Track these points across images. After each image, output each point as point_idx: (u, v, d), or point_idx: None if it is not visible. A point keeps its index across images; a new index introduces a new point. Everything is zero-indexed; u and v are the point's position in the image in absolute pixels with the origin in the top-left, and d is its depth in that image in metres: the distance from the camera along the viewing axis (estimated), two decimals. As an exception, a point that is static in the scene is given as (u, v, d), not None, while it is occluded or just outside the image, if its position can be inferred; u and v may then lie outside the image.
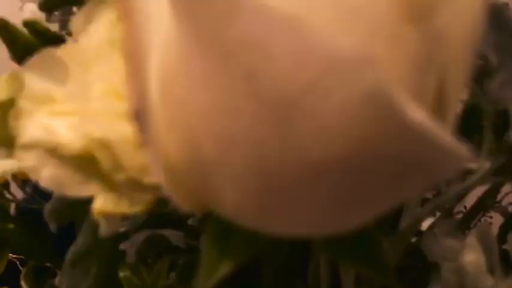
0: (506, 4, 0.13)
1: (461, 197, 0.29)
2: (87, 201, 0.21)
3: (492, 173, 0.20)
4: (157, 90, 0.08)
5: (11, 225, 0.34)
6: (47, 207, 0.21)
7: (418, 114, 0.07)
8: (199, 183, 0.09)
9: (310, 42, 0.06)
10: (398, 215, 0.20)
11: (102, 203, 0.12)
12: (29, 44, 0.21)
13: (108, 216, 0.12)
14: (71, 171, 0.13)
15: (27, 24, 0.21)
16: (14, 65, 0.23)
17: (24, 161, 0.13)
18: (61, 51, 0.15)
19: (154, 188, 0.12)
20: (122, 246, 0.21)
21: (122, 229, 0.22)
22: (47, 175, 0.13)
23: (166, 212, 0.22)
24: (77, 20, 0.15)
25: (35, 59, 0.15)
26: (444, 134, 0.08)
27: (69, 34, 0.24)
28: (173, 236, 0.21)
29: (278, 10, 0.06)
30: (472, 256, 0.19)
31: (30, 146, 0.13)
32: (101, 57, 0.13)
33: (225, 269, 0.10)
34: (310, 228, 0.10)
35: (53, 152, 0.13)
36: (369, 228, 0.12)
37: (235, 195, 0.09)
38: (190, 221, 0.23)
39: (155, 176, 0.10)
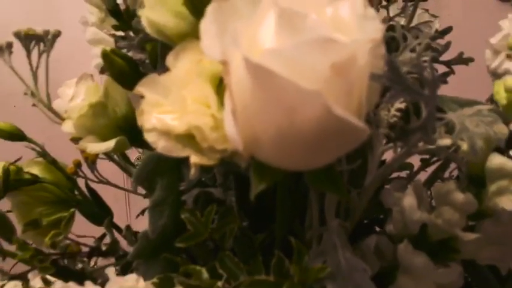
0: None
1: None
2: (161, 168, 0.33)
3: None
4: (236, 96, 0.20)
5: (80, 197, 0.46)
6: (135, 172, 0.33)
7: (343, 112, 0.19)
8: (254, 145, 0.21)
9: (300, 95, 0.17)
10: (364, 175, 0.32)
11: (194, 159, 0.24)
12: (120, 66, 0.33)
13: (196, 165, 0.24)
14: (174, 142, 0.25)
15: (117, 53, 0.33)
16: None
17: (148, 138, 0.25)
18: (160, 77, 0.27)
19: (222, 151, 0.24)
20: (183, 197, 0.33)
21: (183, 187, 0.34)
22: (161, 146, 0.25)
23: (212, 176, 0.34)
24: (168, 58, 0.27)
25: (144, 81, 0.27)
26: (356, 121, 0.20)
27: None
28: (216, 191, 0.33)
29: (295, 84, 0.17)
30: (409, 201, 0.31)
31: (151, 130, 0.25)
32: (189, 81, 0.25)
33: (261, 186, 0.22)
34: (300, 165, 0.22)
35: (165, 133, 0.25)
36: (333, 167, 0.24)
37: (268, 149, 0.21)
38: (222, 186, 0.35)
39: (229, 143, 0.22)
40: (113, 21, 0.44)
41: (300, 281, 0.25)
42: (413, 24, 0.47)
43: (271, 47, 0.19)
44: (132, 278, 0.29)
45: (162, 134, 0.25)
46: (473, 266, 0.32)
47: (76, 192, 0.45)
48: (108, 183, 0.46)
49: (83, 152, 0.44)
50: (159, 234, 0.32)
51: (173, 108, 0.25)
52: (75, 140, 0.45)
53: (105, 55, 0.32)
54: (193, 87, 0.25)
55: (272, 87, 0.18)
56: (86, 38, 0.46)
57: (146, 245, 0.32)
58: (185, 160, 0.32)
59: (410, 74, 0.26)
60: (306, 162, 0.21)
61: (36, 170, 0.44)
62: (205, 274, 0.29)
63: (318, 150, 0.21)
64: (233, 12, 0.20)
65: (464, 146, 0.24)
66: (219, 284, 0.29)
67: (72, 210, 0.39)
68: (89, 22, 0.46)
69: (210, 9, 0.20)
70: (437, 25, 0.50)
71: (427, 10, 0.50)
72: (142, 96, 0.26)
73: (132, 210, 1.23)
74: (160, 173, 0.32)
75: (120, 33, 0.43)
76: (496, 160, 0.28)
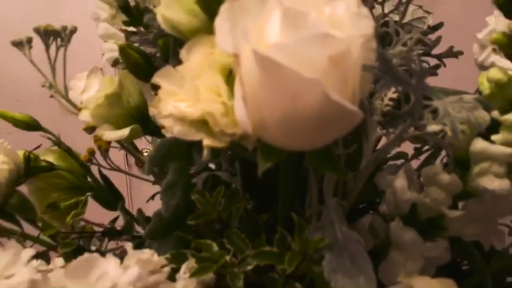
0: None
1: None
2: (173, 154, 0.36)
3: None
4: (246, 85, 0.23)
5: (93, 183, 0.49)
6: (149, 156, 0.36)
7: (339, 98, 0.22)
8: (262, 128, 0.24)
9: (301, 83, 0.20)
10: (359, 160, 0.35)
11: (207, 142, 0.27)
12: (135, 59, 0.36)
13: (208, 148, 0.27)
14: (188, 127, 0.28)
15: (132, 47, 0.36)
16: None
17: (165, 124, 0.28)
18: (175, 69, 0.30)
19: (232, 135, 0.27)
20: (194, 180, 0.36)
21: (193, 171, 0.37)
22: (177, 130, 0.28)
23: (218, 161, 0.37)
24: (182, 52, 0.30)
25: (160, 73, 0.30)
26: (351, 105, 0.23)
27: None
28: (223, 175, 0.37)
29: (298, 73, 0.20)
30: (400, 182, 0.34)
31: (168, 116, 0.28)
32: (201, 72, 0.28)
33: (267, 165, 0.25)
34: (302, 146, 0.25)
35: (180, 119, 0.28)
36: (331, 149, 0.27)
37: (273, 131, 0.24)
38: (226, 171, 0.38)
39: (238, 127, 0.25)
40: (124, 17, 0.47)
41: (301, 251, 0.29)
42: (408, 19, 0.50)
43: (277, 41, 0.22)
44: (148, 251, 0.32)
45: (177, 120, 0.28)
46: (459, 243, 0.35)
47: (89, 179, 0.48)
48: (119, 170, 0.49)
49: (96, 140, 0.47)
50: (171, 214, 0.35)
51: (187, 96, 0.28)
52: (88, 129, 0.48)
53: (121, 49, 0.35)
54: (205, 78, 0.28)
55: (278, 77, 0.21)
56: (97, 33, 0.48)
57: (160, 224, 0.35)
58: (195, 146, 0.36)
59: (401, 66, 0.29)
60: (307, 143, 0.25)
61: (51, 158, 0.47)
62: (215, 247, 0.32)
63: (318, 132, 0.24)
64: (243, 11, 0.23)
65: (449, 131, 0.27)
66: (227, 257, 0.32)
67: (88, 194, 0.42)
68: (101, 18, 0.49)
69: (223, 8, 0.23)
70: (431, 21, 0.53)
71: (420, 6, 0.53)
72: (158, 86, 0.29)
73: (133, 199, 1.27)
74: (172, 158, 0.35)
75: (131, 28, 0.46)
76: (479, 144, 0.31)
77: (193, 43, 0.30)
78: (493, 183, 0.30)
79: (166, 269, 0.33)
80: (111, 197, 0.47)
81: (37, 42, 0.44)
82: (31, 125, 0.47)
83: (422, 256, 0.34)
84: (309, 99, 0.21)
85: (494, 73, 0.31)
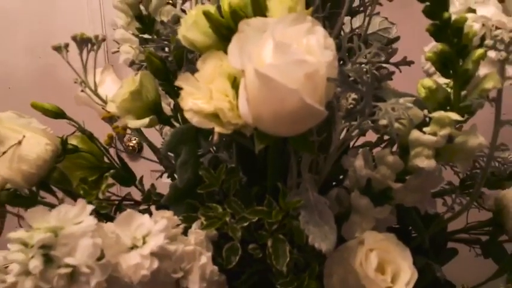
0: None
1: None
2: (184, 139, 0.48)
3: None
4: (249, 91, 0.35)
5: (110, 163, 0.60)
6: (166, 141, 0.48)
7: (311, 101, 0.34)
8: (258, 120, 0.36)
9: (286, 91, 0.32)
10: (329, 145, 0.47)
11: (217, 129, 0.39)
12: (157, 65, 0.47)
13: (218, 133, 0.39)
14: (204, 119, 0.40)
15: (154, 55, 0.47)
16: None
17: (186, 116, 0.40)
18: (192, 75, 0.41)
19: (235, 124, 0.39)
20: (201, 159, 0.48)
21: (200, 152, 0.49)
22: (195, 120, 0.40)
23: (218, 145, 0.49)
24: (198, 63, 0.41)
25: (181, 78, 0.42)
26: (319, 106, 0.35)
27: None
28: (224, 156, 0.49)
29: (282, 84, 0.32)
30: (359, 162, 0.47)
31: (188, 110, 0.40)
32: (213, 78, 0.40)
33: (261, 146, 0.38)
34: (286, 133, 0.37)
35: (198, 112, 0.40)
36: (307, 136, 0.39)
37: (266, 122, 0.36)
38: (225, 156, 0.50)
39: (240, 119, 0.37)
40: (137, 25, 0.59)
41: (284, 209, 0.41)
42: (375, 29, 0.63)
43: (270, 62, 0.34)
44: (168, 212, 0.44)
45: (196, 113, 0.40)
46: (404, 209, 0.48)
47: (107, 160, 0.60)
48: (133, 153, 0.60)
49: (114, 128, 0.59)
50: (184, 185, 0.47)
51: (203, 96, 0.40)
52: (106, 119, 0.60)
53: (147, 57, 0.47)
54: (216, 83, 0.39)
55: (270, 86, 0.33)
56: (115, 37, 0.59)
57: (175, 193, 0.47)
58: (201, 133, 0.48)
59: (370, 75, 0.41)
60: (290, 131, 0.37)
61: (75, 142, 0.58)
62: (220, 209, 0.44)
63: (297, 124, 0.36)
64: (247, 40, 0.35)
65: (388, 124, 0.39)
66: (227, 218, 0.44)
67: (111, 172, 0.54)
68: (118, 25, 0.60)
69: (234, 38, 0.35)
70: (395, 30, 0.65)
71: (386, 18, 0.65)
72: (181, 88, 0.41)
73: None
74: (184, 142, 0.47)
75: (145, 35, 0.58)
76: (414, 134, 0.43)
77: (207, 56, 0.41)
78: (423, 162, 0.43)
79: (181, 226, 0.45)
80: (126, 175, 0.59)
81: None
82: (58, 114, 0.58)
83: (374, 218, 0.46)
84: (291, 102, 0.33)
85: (426, 82, 0.43)
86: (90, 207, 0.37)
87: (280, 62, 0.33)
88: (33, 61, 1.45)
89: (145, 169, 0.62)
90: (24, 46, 1.44)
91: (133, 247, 0.38)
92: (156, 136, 0.62)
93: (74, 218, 0.36)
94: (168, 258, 0.39)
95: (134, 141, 1.26)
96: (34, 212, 0.35)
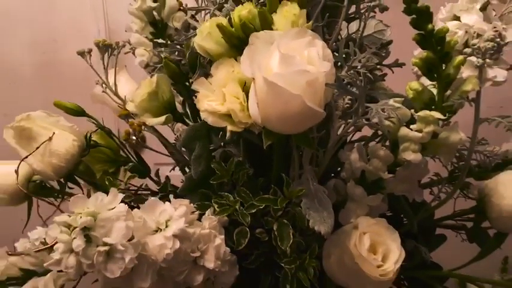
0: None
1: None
2: (198, 135, 0.55)
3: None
4: (258, 96, 0.42)
5: (126, 157, 0.67)
6: (182, 137, 0.55)
7: (312, 105, 0.41)
8: (266, 120, 0.43)
9: (290, 96, 0.39)
10: (327, 141, 0.54)
11: (230, 127, 0.46)
12: (174, 69, 0.54)
13: (230, 131, 0.46)
14: (218, 118, 0.46)
15: (171, 60, 0.54)
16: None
17: (202, 116, 0.46)
18: (207, 80, 0.48)
19: (245, 123, 0.46)
20: (213, 154, 0.54)
21: (212, 147, 0.55)
22: (210, 120, 0.46)
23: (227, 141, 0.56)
24: (212, 69, 0.48)
25: (197, 82, 0.48)
26: (319, 109, 0.42)
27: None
28: (233, 150, 0.55)
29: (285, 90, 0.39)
30: (354, 156, 0.53)
31: (204, 111, 0.47)
32: (226, 82, 0.47)
33: (269, 142, 0.44)
34: (290, 131, 0.44)
35: (212, 113, 0.46)
36: (308, 133, 0.46)
37: (273, 122, 0.43)
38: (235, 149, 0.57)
39: (250, 119, 0.44)
40: (151, 29, 0.65)
41: (287, 197, 0.48)
42: (371, 32, 0.69)
43: (277, 71, 0.40)
44: (186, 200, 0.50)
45: (210, 113, 0.47)
46: (394, 197, 0.55)
47: (123, 154, 0.66)
48: (147, 147, 0.67)
49: (131, 125, 0.65)
50: (198, 176, 0.53)
51: (216, 98, 0.47)
52: (122, 116, 0.66)
53: (165, 61, 0.53)
54: (228, 87, 0.46)
55: (277, 92, 0.40)
56: (131, 42, 0.66)
57: (190, 183, 0.54)
58: (213, 130, 0.54)
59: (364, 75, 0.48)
60: (293, 129, 0.43)
61: (95, 138, 0.65)
62: (231, 197, 0.51)
63: (299, 123, 0.43)
64: (257, 51, 0.42)
65: (379, 122, 0.46)
66: (237, 205, 0.51)
67: (130, 164, 0.61)
68: (133, 29, 0.66)
69: (245, 50, 0.42)
70: (389, 33, 0.71)
71: (381, 21, 0.71)
72: (197, 91, 0.48)
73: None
74: (198, 138, 0.54)
75: (159, 39, 0.64)
76: (403, 131, 0.50)
77: (219, 63, 0.48)
78: (411, 156, 0.50)
79: (196, 213, 0.51)
80: (141, 168, 0.65)
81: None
82: (79, 112, 0.65)
83: (367, 205, 0.53)
84: (295, 105, 0.40)
85: (413, 84, 0.50)
86: (121, 196, 0.44)
87: (285, 71, 0.40)
88: (36, 56, 1.50)
89: (149, 162, 0.69)
90: (27, 41, 1.50)
91: (158, 230, 0.45)
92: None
93: (108, 204, 0.43)
94: (187, 239, 0.46)
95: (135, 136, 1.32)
96: (76, 199, 0.42)
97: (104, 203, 0.42)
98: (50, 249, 0.42)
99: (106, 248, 0.41)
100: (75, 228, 0.40)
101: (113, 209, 0.43)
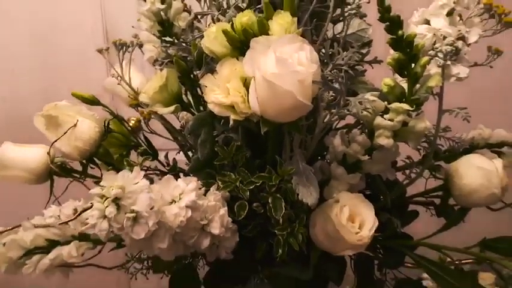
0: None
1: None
2: (203, 123, 0.66)
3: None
4: (258, 91, 0.52)
5: (136, 142, 0.77)
6: (189, 125, 0.65)
7: (302, 99, 0.51)
8: (264, 111, 0.53)
9: (285, 92, 0.49)
10: (314, 128, 0.64)
11: (233, 116, 0.56)
12: (183, 66, 0.64)
13: (233, 120, 0.56)
14: (223, 109, 0.56)
15: (180, 58, 0.64)
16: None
17: (210, 107, 0.57)
18: (213, 76, 0.58)
19: (246, 113, 0.56)
20: (216, 139, 0.65)
21: (215, 133, 0.65)
22: (217, 110, 0.56)
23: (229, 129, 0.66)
24: (217, 66, 0.58)
25: (205, 78, 0.58)
26: (307, 102, 0.52)
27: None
28: (233, 135, 0.66)
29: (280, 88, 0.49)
30: (337, 141, 0.64)
31: (211, 103, 0.57)
32: (229, 79, 0.57)
33: (266, 128, 0.55)
34: (283, 119, 0.54)
35: (218, 104, 0.56)
36: (298, 121, 0.56)
37: (270, 112, 0.54)
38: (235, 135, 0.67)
39: (250, 110, 0.54)
40: (159, 27, 0.74)
41: (280, 175, 0.58)
42: (354, 30, 0.79)
43: (273, 71, 0.51)
44: (194, 178, 0.61)
45: (216, 105, 0.57)
46: (371, 176, 0.66)
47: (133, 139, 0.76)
48: (156, 133, 0.77)
49: (141, 113, 0.75)
50: (204, 158, 0.63)
51: (221, 92, 0.57)
52: (132, 106, 0.76)
53: (175, 60, 0.63)
54: (232, 82, 0.56)
55: (273, 88, 0.50)
56: (141, 39, 0.75)
57: (197, 164, 0.64)
58: (217, 119, 0.64)
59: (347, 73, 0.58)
60: (286, 118, 0.54)
61: (110, 125, 0.75)
62: (232, 175, 0.61)
63: (291, 113, 0.53)
64: (257, 53, 0.52)
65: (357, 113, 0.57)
66: (238, 182, 0.61)
67: (142, 148, 0.71)
68: (142, 28, 0.75)
69: (247, 52, 0.52)
70: (371, 31, 0.81)
71: (364, 20, 0.81)
72: (205, 86, 0.58)
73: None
74: (203, 125, 0.64)
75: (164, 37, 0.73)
76: (377, 120, 0.60)
77: (224, 62, 0.58)
78: (384, 141, 0.60)
79: (203, 189, 0.62)
80: (151, 151, 0.75)
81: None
82: (94, 102, 0.74)
83: (347, 183, 0.64)
84: (288, 99, 0.50)
85: (387, 80, 0.60)
86: (143, 173, 0.54)
87: (280, 71, 0.50)
88: (35, 48, 1.57)
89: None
90: (27, 33, 1.57)
91: (173, 202, 0.56)
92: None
93: (133, 179, 0.53)
94: (197, 210, 0.56)
95: (133, 122, 1.42)
96: (107, 175, 0.52)
97: (130, 178, 0.53)
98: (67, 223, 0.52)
99: (133, 214, 0.51)
100: (107, 198, 0.50)
101: (136, 183, 0.53)
